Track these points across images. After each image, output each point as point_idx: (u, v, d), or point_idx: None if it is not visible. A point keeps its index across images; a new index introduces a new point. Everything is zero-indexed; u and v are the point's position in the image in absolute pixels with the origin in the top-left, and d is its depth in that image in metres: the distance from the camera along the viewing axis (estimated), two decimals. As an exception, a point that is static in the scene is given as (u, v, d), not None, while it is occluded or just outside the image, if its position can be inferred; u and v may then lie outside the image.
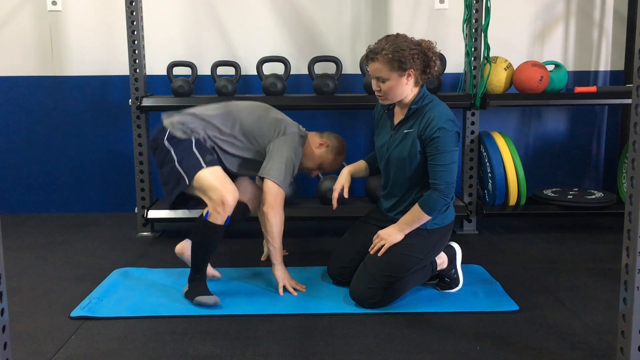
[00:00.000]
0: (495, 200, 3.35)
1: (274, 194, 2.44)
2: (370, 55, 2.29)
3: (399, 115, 2.41)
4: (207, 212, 2.33)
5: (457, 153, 2.29)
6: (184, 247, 2.58)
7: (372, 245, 2.38)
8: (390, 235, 2.33)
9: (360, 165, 2.65)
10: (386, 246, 2.32)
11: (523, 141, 3.91)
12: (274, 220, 2.45)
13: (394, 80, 2.27)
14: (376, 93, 2.36)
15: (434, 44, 2.33)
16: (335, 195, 2.55)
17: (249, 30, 3.75)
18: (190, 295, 2.36)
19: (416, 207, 2.30)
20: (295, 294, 2.45)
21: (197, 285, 2.37)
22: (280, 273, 2.49)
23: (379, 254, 2.33)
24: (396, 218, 2.42)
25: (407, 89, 2.31)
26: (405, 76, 2.27)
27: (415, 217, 2.32)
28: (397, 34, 2.32)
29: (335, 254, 2.58)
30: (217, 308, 2.29)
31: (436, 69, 2.33)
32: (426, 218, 2.30)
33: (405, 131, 2.34)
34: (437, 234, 2.37)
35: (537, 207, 3.42)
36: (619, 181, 3.60)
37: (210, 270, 2.57)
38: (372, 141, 3.84)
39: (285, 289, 2.46)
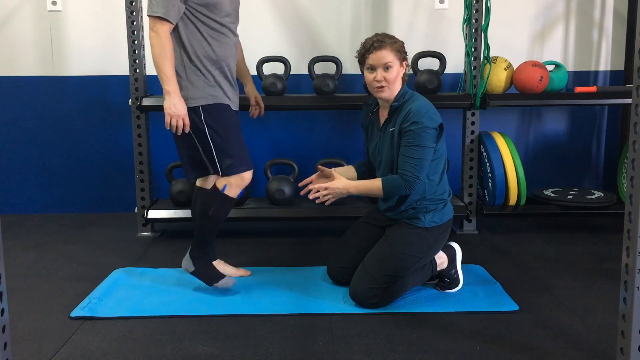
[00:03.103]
0: (495, 200, 3.35)
1: (154, 21, 2.28)
2: (376, 45, 2.31)
3: (383, 116, 2.43)
4: (225, 185, 2.37)
5: (430, 150, 2.28)
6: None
7: (315, 190, 2.33)
8: (338, 195, 2.32)
9: (348, 167, 2.63)
10: (330, 200, 2.33)
11: (523, 141, 3.91)
12: (153, 41, 2.29)
13: (396, 68, 2.34)
14: (378, 84, 2.33)
15: None
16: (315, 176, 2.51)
17: (249, 30, 3.75)
18: (201, 277, 2.44)
19: (377, 182, 2.31)
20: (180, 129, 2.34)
21: (205, 266, 2.45)
22: (168, 105, 2.31)
23: (317, 202, 2.33)
24: (395, 218, 2.43)
25: (399, 82, 2.37)
26: (404, 67, 2.37)
27: (369, 189, 2.35)
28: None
29: (335, 254, 2.58)
30: (217, 308, 2.29)
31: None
32: (379, 195, 2.34)
33: (390, 129, 2.37)
34: (436, 232, 2.37)
35: (537, 207, 3.42)
36: (619, 181, 3.60)
37: (239, 271, 2.65)
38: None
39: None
